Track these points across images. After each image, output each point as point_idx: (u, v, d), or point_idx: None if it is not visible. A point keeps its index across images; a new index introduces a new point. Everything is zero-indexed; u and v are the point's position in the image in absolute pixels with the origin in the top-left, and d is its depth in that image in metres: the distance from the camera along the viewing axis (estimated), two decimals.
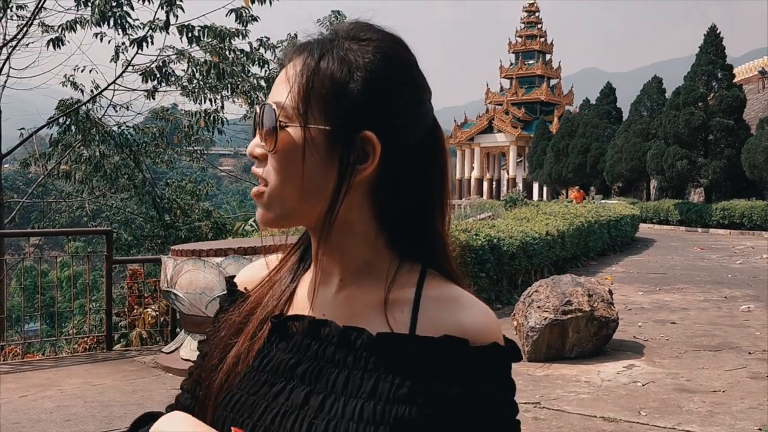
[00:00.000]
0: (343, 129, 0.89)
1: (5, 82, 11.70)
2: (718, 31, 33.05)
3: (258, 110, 0.95)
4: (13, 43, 11.49)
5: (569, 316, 7.32)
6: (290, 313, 1.00)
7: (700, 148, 32.03)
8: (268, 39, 13.87)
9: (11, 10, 11.34)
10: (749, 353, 7.72)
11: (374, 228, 0.96)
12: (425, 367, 0.89)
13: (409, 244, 0.97)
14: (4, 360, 7.81)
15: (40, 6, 11.36)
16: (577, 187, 34.85)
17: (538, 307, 7.43)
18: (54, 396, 6.07)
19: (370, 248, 0.96)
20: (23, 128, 12.86)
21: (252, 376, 0.97)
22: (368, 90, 0.90)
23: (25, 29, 11.48)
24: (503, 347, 0.93)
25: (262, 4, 11.40)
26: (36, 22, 11.53)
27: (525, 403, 5.94)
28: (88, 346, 8.37)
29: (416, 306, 0.93)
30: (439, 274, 0.98)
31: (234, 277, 1.12)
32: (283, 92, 0.92)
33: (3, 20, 11.39)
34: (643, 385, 6.51)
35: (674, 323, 9.58)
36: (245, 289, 1.07)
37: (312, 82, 0.91)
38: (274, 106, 0.92)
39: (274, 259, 1.09)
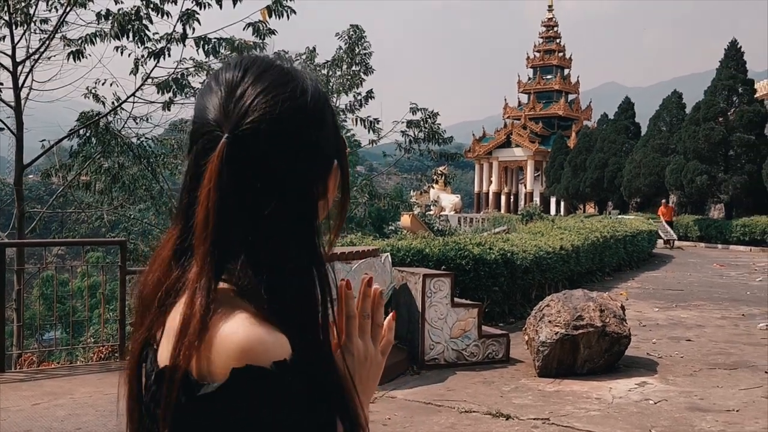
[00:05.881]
0: None
1: (28, 94, 11.85)
2: (738, 46, 32.77)
3: None
4: (36, 56, 11.66)
5: (580, 331, 7.28)
6: None
7: (721, 164, 31.72)
8: (287, 52, 13.90)
9: (35, 24, 11.52)
10: (766, 372, 7.64)
11: None
12: None
13: None
14: (20, 368, 7.89)
15: (62, 20, 11.53)
16: (663, 201, 32.92)
17: (549, 321, 7.40)
18: (66, 404, 6.13)
19: None
20: (45, 140, 13.00)
21: None
22: None
23: (47, 42, 11.65)
24: None
25: (279, 18, 11.48)
26: (58, 35, 11.70)
27: (534, 419, 5.92)
28: (103, 356, 8.45)
29: None
30: None
31: None
32: None
33: (26, 34, 11.58)
34: (655, 403, 6.46)
35: (690, 340, 9.49)
36: None
37: None
38: None
39: None
